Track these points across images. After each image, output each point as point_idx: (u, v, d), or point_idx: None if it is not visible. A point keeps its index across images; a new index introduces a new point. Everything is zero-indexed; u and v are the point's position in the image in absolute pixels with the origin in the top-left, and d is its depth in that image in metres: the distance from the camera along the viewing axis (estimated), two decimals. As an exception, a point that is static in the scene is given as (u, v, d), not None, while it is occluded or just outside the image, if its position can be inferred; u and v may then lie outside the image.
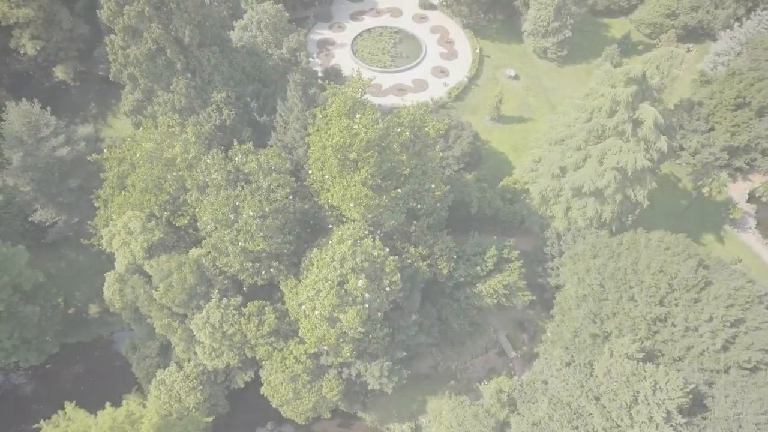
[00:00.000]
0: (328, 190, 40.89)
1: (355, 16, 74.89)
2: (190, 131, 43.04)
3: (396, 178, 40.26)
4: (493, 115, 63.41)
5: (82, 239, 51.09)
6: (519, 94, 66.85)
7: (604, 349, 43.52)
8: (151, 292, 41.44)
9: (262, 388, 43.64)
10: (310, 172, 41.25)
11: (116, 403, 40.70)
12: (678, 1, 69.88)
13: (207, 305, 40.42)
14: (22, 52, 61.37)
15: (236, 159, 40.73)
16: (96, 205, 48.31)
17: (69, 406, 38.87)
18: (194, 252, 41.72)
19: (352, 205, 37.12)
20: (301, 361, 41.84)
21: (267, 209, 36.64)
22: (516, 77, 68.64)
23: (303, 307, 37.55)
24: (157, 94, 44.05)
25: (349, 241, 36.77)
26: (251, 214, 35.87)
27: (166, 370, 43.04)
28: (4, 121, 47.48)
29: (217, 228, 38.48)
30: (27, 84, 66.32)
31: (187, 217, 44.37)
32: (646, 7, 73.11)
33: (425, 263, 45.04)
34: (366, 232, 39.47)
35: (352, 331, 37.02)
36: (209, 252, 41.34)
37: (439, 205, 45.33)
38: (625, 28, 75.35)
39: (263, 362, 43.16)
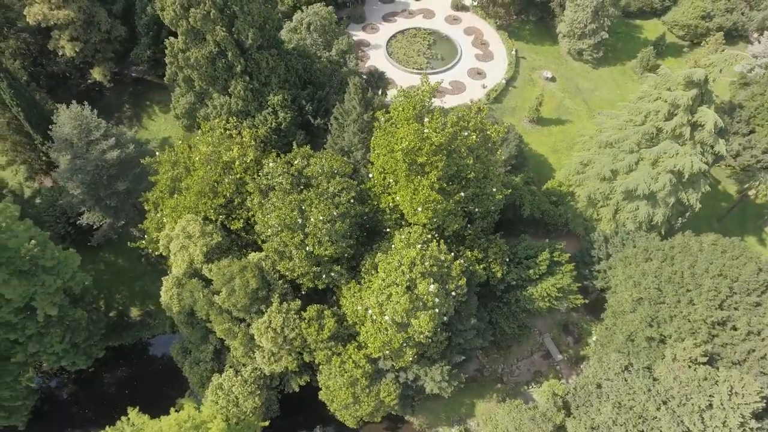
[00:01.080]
0: (389, 194, 40.78)
1: (387, 18, 74.67)
2: (247, 134, 42.84)
3: (458, 182, 40.09)
4: (531, 117, 63.28)
5: (128, 242, 50.98)
6: (556, 96, 66.71)
7: (664, 353, 43.51)
8: (209, 296, 41.25)
9: (321, 392, 43.48)
10: (370, 175, 41.09)
11: (164, 407, 40.57)
12: (713, 3, 69.80)
13: (268, 310, 40.21)
14: (60, 54, 60.99)
15: (296, 162, 40.58)
16: (146, 207, 48.06)
17: (132, 412, 38.63)
18: (254, 256, 41.51)
19: (419, 209, 36.92)
20: (360, 366, 41.66)
21: (335, 213, 36.42)
22: (552, 79, 68.52)
23: (370, 311, 37.31)
24: (212, 97, 43.74)
25: (419, 246, 36.56)
26: (321, 218, 35.63)
27: (224, 374, 42.76)
28: (55, 123, 47.11)
29: (280, 232, 38.23)
30: (62, 85, 65.90)
31: (241, 221, 44.19)
32: (679, 9, 73.00)
33: (481, 267, 44.87)
34: (428, 236, 39.29)
35: (420, 336, 36.85)
36: (268, 256, 41.16)
37: (493, 208, 45.15)
38: (657, 30, 75.19)
39: (321, 367, 42.95)
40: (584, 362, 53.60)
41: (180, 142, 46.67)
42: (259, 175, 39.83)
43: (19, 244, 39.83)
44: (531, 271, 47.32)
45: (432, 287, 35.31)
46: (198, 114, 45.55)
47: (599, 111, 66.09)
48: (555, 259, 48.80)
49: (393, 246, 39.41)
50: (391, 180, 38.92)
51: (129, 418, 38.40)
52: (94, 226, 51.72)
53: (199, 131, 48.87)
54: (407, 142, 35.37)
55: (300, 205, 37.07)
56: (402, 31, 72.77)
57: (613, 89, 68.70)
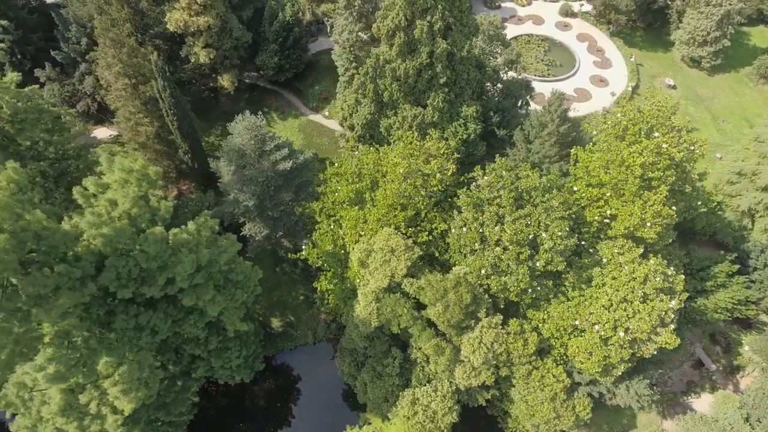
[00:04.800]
0: (595, 207, 40.42)
1: (497, 24, 74.27)
2: (443, 147, 42.29)
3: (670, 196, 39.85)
4: (662, 126, 63.06)
5: (288, 254, 50.45)
6: (679, 104, 66.58)
7: None
8: (412, 312, 40.71)
9: (515, 407, 43.14)
10: (575, 189, 40.72)
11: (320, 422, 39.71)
12: (827, 11, 70.04)
13: (478, 325, 39.79)
14: (193, 60, 60.12)
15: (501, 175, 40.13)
16: (318, 219, 47.41)
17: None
18: (458, 270, 40.98)
19: (648, 224, 36.63)
20: (561, 380, 41.35)
21: (567, 229, 36.05)
22: (674, 86, 68.45)
23: (597, 327, 36.95)
24: (400, 108, 43.18)
25: (651, 261, 36.28)
26: (559, 234, 35.24)
27: (422, 389, 42.25)
28: (231, 134, 46.32)
29: (494, 247, 37.79)
30: (184, 92, 64.88)
31: (426, 233, 43.71)
32: (790, 16, 73.30)
33: (668, 279, 44.66)
34: (639, 250, 39.02)
35: (648, 352, 36.61)
36: (473, 270, 40.65)
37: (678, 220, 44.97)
38: (764, 37, 75.39)
39: (516, 381, 42.56)
40: (741, 372, 53.56)
41: (356, 152, 46.14)
42: (471, 189, 39.32)
43: (228, 258, 39.08)
44: (709, 282, 47.22)
45: (673, 303, 35.05)
46: (381, 125, 44.90)
47: (723, 119, 66.36)
48: (725, 270, 48.77)
49: (604, 260, 39.13)
50: (608, 193, 38.56)
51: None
52: (257, 237, 50.84)
53: (363, 144, 48.33)
54: (644, 158, 35.08)
55: (527, 220, 36.65)
56: (515, 37, 72.36)
57: (731, 97, 68.69)
